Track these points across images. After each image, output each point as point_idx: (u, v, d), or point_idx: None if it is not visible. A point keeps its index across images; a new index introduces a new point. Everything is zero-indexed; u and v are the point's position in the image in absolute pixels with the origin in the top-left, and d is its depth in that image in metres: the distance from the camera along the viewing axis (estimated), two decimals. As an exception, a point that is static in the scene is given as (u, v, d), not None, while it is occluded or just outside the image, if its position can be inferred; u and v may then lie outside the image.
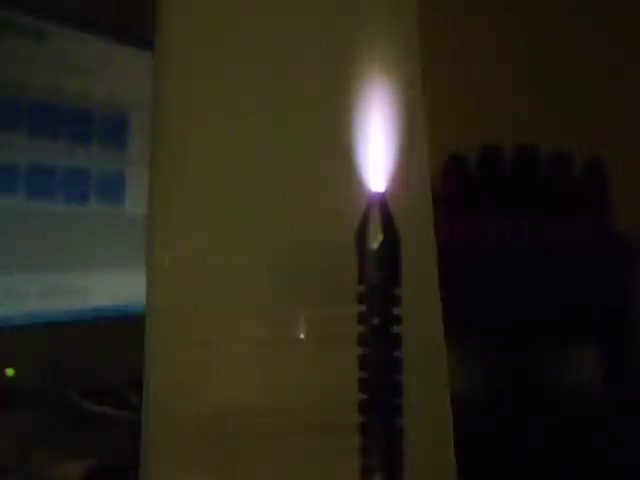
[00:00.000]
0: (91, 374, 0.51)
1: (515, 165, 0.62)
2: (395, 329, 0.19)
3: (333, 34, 0.25)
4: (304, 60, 0.25)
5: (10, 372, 0.48)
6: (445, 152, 0.62)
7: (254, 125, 0.25)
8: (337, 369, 0.22)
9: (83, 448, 0.47)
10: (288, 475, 0.23)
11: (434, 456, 0.24)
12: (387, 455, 0.19)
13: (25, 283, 0.51)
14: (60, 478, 0.45)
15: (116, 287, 0.56)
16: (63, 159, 0.53)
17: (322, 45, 0.25)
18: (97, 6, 0.55)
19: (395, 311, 0.19)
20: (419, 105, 0.26)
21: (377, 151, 0.21)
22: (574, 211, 0.61)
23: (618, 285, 0.61)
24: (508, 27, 0.71)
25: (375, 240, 0.19)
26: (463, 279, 0.54)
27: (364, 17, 0.25)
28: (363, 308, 0.19)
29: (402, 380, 0.19)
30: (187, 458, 0.24)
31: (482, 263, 0.60)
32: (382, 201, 0.19)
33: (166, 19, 0.26)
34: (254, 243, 0.24)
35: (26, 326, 0.50)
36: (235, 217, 0.25)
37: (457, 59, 0.71)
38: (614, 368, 0.59)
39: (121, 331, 0.46)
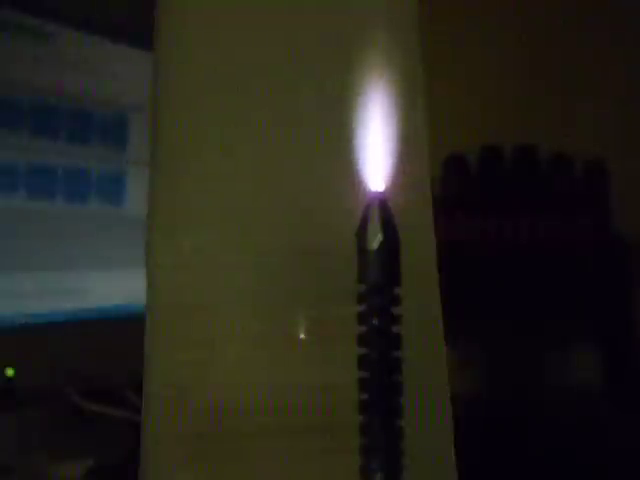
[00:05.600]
0: (91, 374, 0.51)
1: (515, 165, 0.62)
2: (395, 329, 0.19)
3: (333, 34, 0.25)
4: (304, 59, 0.25)
5: (10, 372, 0.48)
6: (445, 152, 0.62)
7: (254, 124, 0.25)
8: (337, 369, 0.22)
9: (83, 448, 0.47)
10: (288, 475, 0.23)
11: (434, 456, 0.24)
12: (387, 455, 0.19)
13: (25, 283, 0.51)
14: (60, 478, 0.45)
15: (116, 287, 0.56)
16: (63, 159, 0.53)
17: (322, 45, 0.25)
18: (97, 6, 0.55)
19: (395, 311, 0.19)
20: (419, 105, 0.26)
21: (377, 151, 0.21)
22: (574, 211, 0.61)
23: (618, 285, 0.61)
24: (509, 27, 0.71)
25: (375, 240, 0.19)
26: (463, 279, 0.54)
27: (364, 17, 0.25)
28: (363, 308, 0.19)
29: (402, 380, 0.19)
30: (187, 458, 0.24)
31: (482, 263, 0.60)
32: (382, 201, 0.19)
33: (166, 19, 0.26)
34: (254, 243, 0.24)
35: (26, 326, 0.50)
36: (235, 217, 0.25)
37: (457, 59, 0.71)
38: (614, 368, 0.59)
39: (121, 331, 0.46)
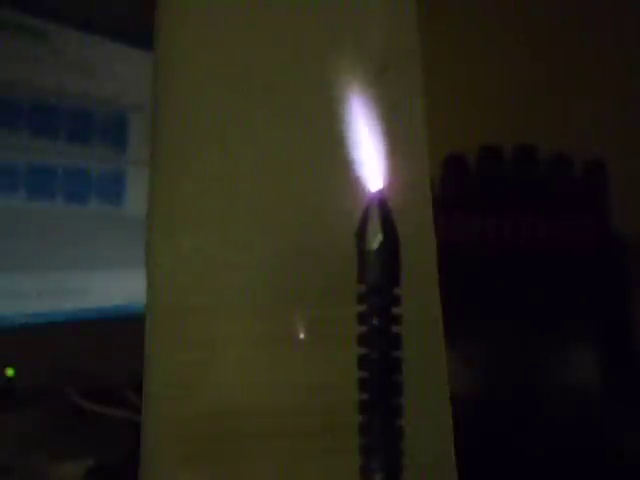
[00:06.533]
0: (91, 374, 0.51)
1: (515, 165, 0.62)
2: (395, 329, 0.19)
3: (333, 33, 0.25)
4: (303, 59, 0.25)
5: (10, 372, 0.48)
6: (444, 152, 0.62)
7: (253, 124, 0.25)
8: (337, 369, 0.22)
9: (83, 448, 0.47)
10: (288, 475, 0.23)
11: (434, 456, 0.24)
12: (387, 455, 0.19)
13: (25, 283, 0.51)
14: (60, 478, 0.45)
15: (116, 287, 0.56)
16: (63, 159, 0.53)
17: (322, 45, 0.25)
18: (97, 6, 0.55)
19: (395, 311, 0.19)
20: (419, 105, 0.26)
21: (377, 151, 0.21)
22: (574, 211, 0.61)
23: (618, 285, 0.61)
24: (509, 27, 0.71)
25: (375, 240, 0.19)
26: (463, 279, 0.54)
27: (364, 17, 0.25)
28: (363, 308, 0.19)
29: (402, 380, 0.19)
30: (187, 458, 0.24)
31: (482, 263, 0.60)
32: (382, 201, 0.19)
33: (166, 19, 0.26)
34: (254, 243, 0.24)
35: (26, 326, 0.50)
36: (235, 217, 0.25)
37: (457, 59, 0.71)
38: (614, 368, 0.59)
39: (121, 331, 0.46)
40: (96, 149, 0.56)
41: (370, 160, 0.20)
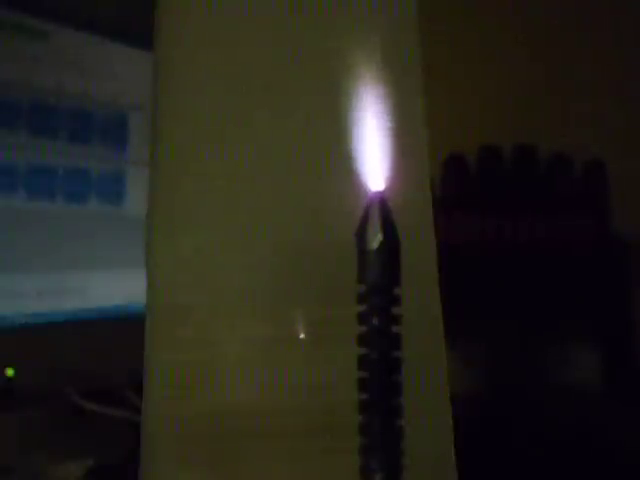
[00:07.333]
0: (91, 374, 0.51)
1: (514, 165, 0.62)
2: (395, 329, 0.19)
3: (333, 33, 0.25)
4: (303, 59, 0.25)
5: (10, 372, 0.48)
6: (445, 152, 0.62)
7: (253, 124, 0.25)
8: (337, 369, 0.22)
9: (83, 448, 0.47)
10: (288, 475, 0.23)
11: (434, 456, 0.24)
12: (387, 455, 0.19)
13: (25, 283, 0.51)
14: (60, 478, 0.45)
15: (116, 287, 0.57)
16: (63, 159, 0.53)
17: (322, 45, 0.25)
18: (97, 6, 0.55)
19: (395, 311, 0.19)
20: (419, 105, 0.26)
21: (377, 151, 0.21)
22: (574, 211, 0.61)
23: (618, 285, 0.61)
24: (508, 27, 0.71)
25: (375, 240, 0.19)
26: (463, 279, 0.54)
27: (364, 17, 0.25)
28: (363, 308, 0.19)
29: (402, 380, 0.19)
30: (187, 458, 0.24)
31: (481, 263, 0.60)
32: (382, 200, 0.19)
33: (166, 19, 0.26)
34: (254, 243, 0.24)
35: (26, 326, 0.50)
36: (235, 217, 0.25)
37: (456, 59, 0.71)
38: (614, 368, 0.59)
39: (121, 331, 0.46)
40: (96, 149, 0.56)
41: (370, 160, 0.20)
